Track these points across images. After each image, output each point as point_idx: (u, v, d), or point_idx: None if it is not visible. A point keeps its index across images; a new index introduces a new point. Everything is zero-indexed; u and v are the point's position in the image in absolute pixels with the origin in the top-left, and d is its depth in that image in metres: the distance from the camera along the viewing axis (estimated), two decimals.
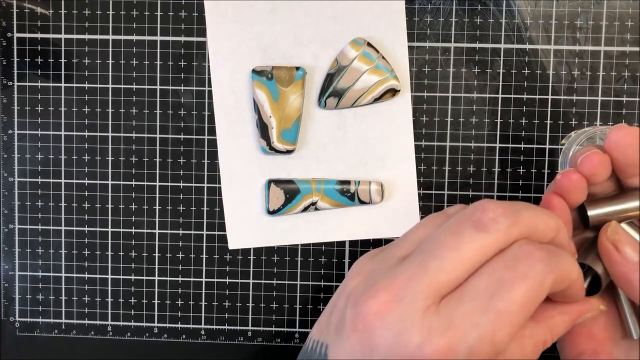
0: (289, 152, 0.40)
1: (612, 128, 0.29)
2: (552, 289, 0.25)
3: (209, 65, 0.41)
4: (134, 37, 0.41)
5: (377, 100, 0.39)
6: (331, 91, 0.39)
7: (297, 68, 0.39)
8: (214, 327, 0.42)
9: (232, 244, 0.42)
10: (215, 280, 0.42)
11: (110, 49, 0.41)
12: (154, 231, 0.42)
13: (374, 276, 0.26)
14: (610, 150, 0.29)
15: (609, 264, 0.29)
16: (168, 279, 0.42)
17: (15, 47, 0.41)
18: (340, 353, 0.25)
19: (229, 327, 0.42)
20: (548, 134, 0.40)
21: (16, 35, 0.41)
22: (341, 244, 0.41)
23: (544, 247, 0.25)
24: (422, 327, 0.24)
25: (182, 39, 0.41)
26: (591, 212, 0.30)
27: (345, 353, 0.25)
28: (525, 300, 0.24)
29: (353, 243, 0.41)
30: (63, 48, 0.41)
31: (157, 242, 0.42)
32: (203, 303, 0.42)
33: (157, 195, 0.42)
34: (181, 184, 0.42)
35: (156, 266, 0.42)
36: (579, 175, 0.29)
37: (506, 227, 0.25)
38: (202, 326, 0.42)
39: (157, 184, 0.42)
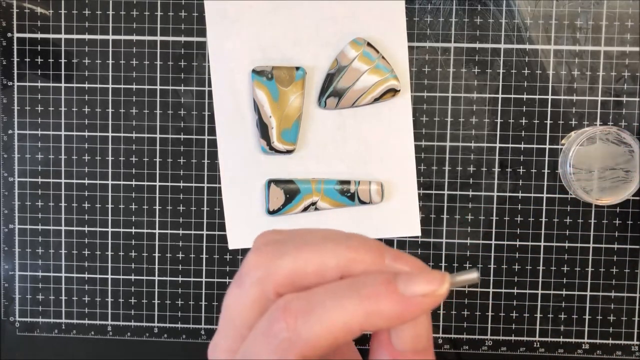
0: (289, 152, 0.40)
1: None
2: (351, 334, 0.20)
3: (209, 65, 0.41)
4: (134, 37, 0.41)
5: (377, 100, 0.39)
6: (331, 91, 0.39)
7: (297, 68, 0.39)
8: (214, 327, 0.42)
9: (232, 244, 0.42)
10: (215, 280, 0.42)
11: (110, 49, 0.41)
12: (154, 231, 0.42)
13: None
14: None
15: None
16: (168, 279, 0.42)
17: (15, 47, 0.41)
18: None
19: None
20: (548, 134, 0.40)
21: (16, 35, 0.41)
22: None
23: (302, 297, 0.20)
24: None
25: (182, 39, 0.41)
26: None
27: None
28: None
29: None
30: (63, 48, 0.41)
31: (157, 242, 0.42)
32: (203, 303, 0.42)
33: (157, 195, 0.42)
34: (181, 184, 0.42)
35: (156, 266, 0.42)
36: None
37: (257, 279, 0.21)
38: (202, 326, 0.42)
39: (157, 184, 0.42)
